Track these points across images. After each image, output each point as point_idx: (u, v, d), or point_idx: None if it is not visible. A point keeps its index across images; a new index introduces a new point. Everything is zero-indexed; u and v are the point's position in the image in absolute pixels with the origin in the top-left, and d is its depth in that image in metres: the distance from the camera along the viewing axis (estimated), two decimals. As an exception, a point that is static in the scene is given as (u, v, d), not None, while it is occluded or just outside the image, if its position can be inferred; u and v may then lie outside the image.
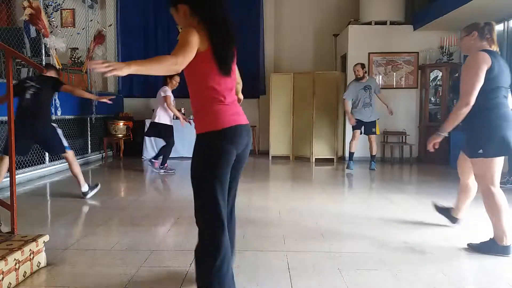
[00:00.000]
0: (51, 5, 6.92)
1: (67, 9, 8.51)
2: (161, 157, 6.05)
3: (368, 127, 6.39)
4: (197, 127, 1.89)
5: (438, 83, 7.38)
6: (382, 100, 6.54)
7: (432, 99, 7.44)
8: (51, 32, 6.01)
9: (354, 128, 6.38)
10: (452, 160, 6.75)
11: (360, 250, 2.83)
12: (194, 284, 2.24)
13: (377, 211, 3.92)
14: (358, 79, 6.31)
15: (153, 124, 6.03)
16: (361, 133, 6.43)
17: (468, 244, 2.88)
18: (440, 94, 7.31)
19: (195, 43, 1.74)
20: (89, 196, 4.33)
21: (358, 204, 4.18)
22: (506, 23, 6.38)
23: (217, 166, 1.82)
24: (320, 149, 7.38)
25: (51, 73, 4.38)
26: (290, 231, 3.24)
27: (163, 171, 5.96)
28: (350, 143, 6.49)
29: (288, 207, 4.09)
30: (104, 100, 4.45)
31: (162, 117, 5.96)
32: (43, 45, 5.98)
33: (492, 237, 2.79)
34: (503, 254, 2.68)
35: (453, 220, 3.39)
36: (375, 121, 6.39)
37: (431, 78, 7.40)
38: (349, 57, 7.60)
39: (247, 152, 2.03)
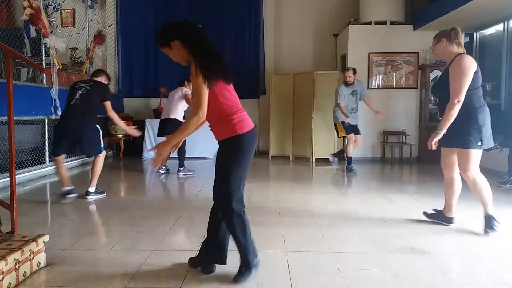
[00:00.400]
0: (51, 5, 6.91)
1: (67, 9, 8.52)
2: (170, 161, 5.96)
3: (356, 130, 6.39)
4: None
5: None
6: (369, 105, 6.45)
7: (432, 99, 7.43)
8: (51, 32, 6.01)
9: (348, 132, 6.27)
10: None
11: (360, 250, 2.83)
12: (195, 284, 2.25)
13: (377, 211, 3.92)
14: (346, 84, 6.20)
15: (172, 120, 5.80)
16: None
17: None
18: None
19: (205, 92, 2.13)
20: (90, 198, 4.33)
21: (358, 204, 4.18)
22: (506, 23, 6.38)
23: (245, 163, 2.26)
24: (320, 149, 7.38)
25: (102, 79, 4.58)
26: (290, 231, 3.24)
27: (182, 173, 5.86)
28: (347, 147, 6.36)
29: (288, 207, 4.09)
30: (133, 131, 4.67)
31: (179, 114, 5.86)
32: (43, 45, 5.98)
33: (488, 213, 3.21)
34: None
35: (449, 220, 3.42)
36: (357, 125, 6.41)
37: (431, 78, 7.40)
38: (349, 57, 7.60)
39: None
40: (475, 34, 7.32)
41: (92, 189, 4.37)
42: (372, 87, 7.61)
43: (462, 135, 3.09)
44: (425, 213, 3.61)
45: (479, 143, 3.05)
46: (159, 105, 8.24)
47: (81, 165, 6.85)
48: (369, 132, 7.59)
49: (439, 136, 3.11)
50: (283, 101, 7.72)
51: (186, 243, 2.94)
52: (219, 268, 2.44)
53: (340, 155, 6.67)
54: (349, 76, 6.14)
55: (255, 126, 2.33)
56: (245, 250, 2.28)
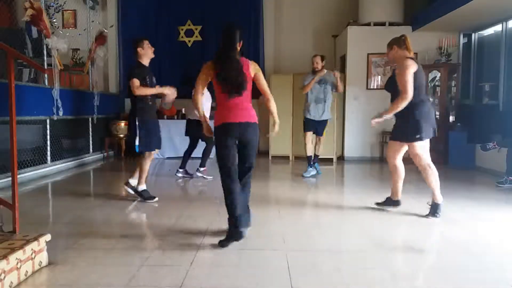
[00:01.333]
0: (53, 6, 6.95)
1: (69, 10, 8.54)
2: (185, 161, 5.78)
3: (319, 127, 5.80)
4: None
5: (437, 83, 7.39)
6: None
7: (430, 99, 7.44)
8: (53, 32, 6.03)
9: (305, 130, 5.81)
10: (451, 160, 6.78)
11: (360, 249, 2.84)
12: (195, 283, 2.27)
13: (376, 210, 3.93)
14: (314, 72, 5.69)
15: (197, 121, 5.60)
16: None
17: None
18: (439, 94, 7.32)
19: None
20: (132, 191, 4.24)
21: (357, 204, 4.20)
22: (504, 24, 6.40)
23: None
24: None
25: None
26: (289, 230, 3.26)
27: (200, 174, 5.65)
28: (304, 147, 5.88)
29: (288, 206, 4.10)
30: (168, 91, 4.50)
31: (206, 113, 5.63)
32: (44, 46, 6.00)
33: (435, 201, 3.65)
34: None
35: (396, 203, 3.87)
36: (327, 120, 5.82)
37: (429, 79, 7.41)
38: (348, 58, 7.62)
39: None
40: (473, 34, 7.35)
41: (141, 187, 4.20)
42: (371, 87, 7.63)
43: (403, 130, 3.59)
44: (376, 203, 3.98)
45: (418, 136, 3.48)
46: (160, 106, 8.25)
47: (78, 166, 6.87)
48: (368, 132, 7.62)
49: (381, 120, 3.60)
50: (283, 101, 7.72)
51: (187, 242, 2.96)
52: (220, 273, 2.46)
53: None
54: (316, 63, 5.68)
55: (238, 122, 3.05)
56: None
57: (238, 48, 3.05)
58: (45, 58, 6.05)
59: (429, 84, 7.40)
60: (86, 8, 7.95)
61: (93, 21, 7.91)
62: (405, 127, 3.56)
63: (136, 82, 4.12)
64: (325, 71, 5.74)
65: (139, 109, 4.15)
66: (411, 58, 3.58)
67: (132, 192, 4.24)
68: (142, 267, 2.48)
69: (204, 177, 5.62)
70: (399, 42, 3.67)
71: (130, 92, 4.18)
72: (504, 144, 5.20)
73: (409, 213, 3.86)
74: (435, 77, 7.41)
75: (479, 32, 7.21)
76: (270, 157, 7.77)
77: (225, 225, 3.35)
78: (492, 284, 2.32)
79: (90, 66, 7.41)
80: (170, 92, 4.47)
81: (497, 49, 6.62)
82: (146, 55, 4.37)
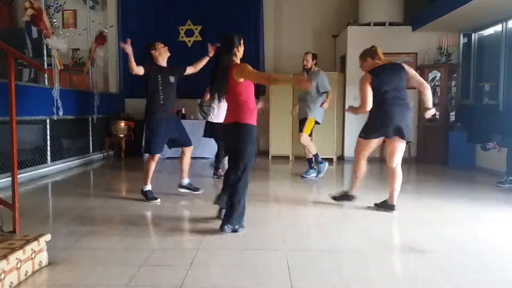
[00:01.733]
0: (53, 6, 6.94)
1: (69, 10, 8.54)
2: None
3: (301, 125, 5.63)
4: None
5: (437, 83, 7.39)
6: (326, 100, 5.61)
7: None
8: (53, 32, 6.03)
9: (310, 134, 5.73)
10: (451, 160, 6.77)
11: (360, 249, 2.85)
12: (195, 283, 2.27)
13: (376, 210, 3.93)
14: (304, 69, 5.56)
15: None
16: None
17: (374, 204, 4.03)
18: (439, 94, 7.32)
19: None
20: (185, 190, 4.45)
21: (357, 203, 4.19)
22: (504, 24, 6.40)
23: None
24: (319, 149, 7.36)
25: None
26: (289, 230, 3.26)
27: (216, 176, 5.64)
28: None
29: (288, 206, 4.10)
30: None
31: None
32: (44, 46, 6.00)
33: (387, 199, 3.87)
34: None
35: (352, 198, 4.10)
36: (306, 119, 5.54)
37: (429, 79, 7.41)
38: (348, 58, 7.61)
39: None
40: (473, 35, 7.34)
41: (184, 181, 4.46)
42: (372, 87, 7.62)
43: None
44: (332, 197, 4.22)
45: (362, 134, 3.97)
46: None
47: (78, 166, 6.87)
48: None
49: (350, 113, 4.17)
50: (283, 101, 7.73)
51: (187, 241, 2.96)
52: (220, 273, 2.46)
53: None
54: (306, 60, 5.52)
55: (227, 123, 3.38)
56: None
57: (233, 53, 3.33)
58: (45, 58, 6.05)
59: (429, 84, 7.40)
60: (86, 8, 7.94)
61: (93, 21, 7.91)
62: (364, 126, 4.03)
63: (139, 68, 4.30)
64: (315, 70, 5.62)
65: (147, 109, 4.24)
66: (372, 71, 3.82)
67: (185, 190, 4.43)
68: (142, 267, 2.48)
69: (220, 176, 5.59)
70: (372, 53, 3.92)
71: (146, 92, 4.29)
72: (504, 144, 5.20)
73: (409, 213, 3.86)
74: (435, 77, 7.40)
75: (479, 32, 7.21)
76: (270, 157, 7.76)
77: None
78: (492, 284, 2.32)
79: (90, 66, 7.41)
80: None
81: (497, 49, 6.62)
82: (161, 55, 4.42)
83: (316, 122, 5.64)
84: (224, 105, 5.37)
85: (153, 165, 4.25)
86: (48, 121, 5.93)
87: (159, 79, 4.28)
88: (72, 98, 6.67)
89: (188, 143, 4.41)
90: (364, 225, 3.46)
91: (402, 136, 3.75)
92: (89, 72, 7.48)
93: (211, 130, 5.74)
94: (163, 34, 8.69)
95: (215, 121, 5.61)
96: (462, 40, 7.50)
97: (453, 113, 7.30)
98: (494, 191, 4.86)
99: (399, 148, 3.83)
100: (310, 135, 5.68)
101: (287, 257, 2.65)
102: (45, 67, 5.86)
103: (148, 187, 4.26)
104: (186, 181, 4.45)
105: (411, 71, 3.88)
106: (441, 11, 6.36)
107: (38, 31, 6.07)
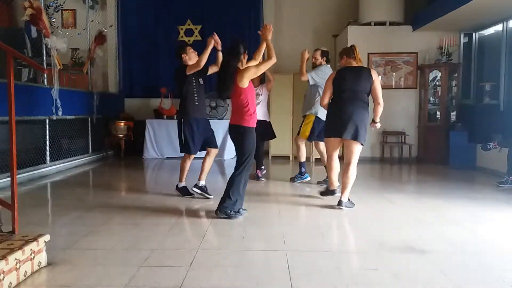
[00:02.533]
0: (52, 6, 6.94)
1: (68, 9, 8.53)
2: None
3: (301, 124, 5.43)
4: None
5: (437, 83, 7.39)
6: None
7: (431, 99, 7.45)
8: (52, 32, 6.02)
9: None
10: (452, 160, 6.76)
11: (360, 250, 2.84)
12: (195, 283, 2.26)
13: (376, 210, 3.93)
14: (314, 66, 5.41)
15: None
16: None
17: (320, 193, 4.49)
18: (439, 94, 7.32)
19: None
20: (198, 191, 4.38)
21: (357, 204, 4.18)
22: (504, 23, 6.39)
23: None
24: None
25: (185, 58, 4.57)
26: (290, 231, 3.25)
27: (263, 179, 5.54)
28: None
29: (288, 206, 4.10)
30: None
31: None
32: (44, 46, 5.99)
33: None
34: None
35: (332, 192, 4.36)
36: (305, 116, 5.32)
37: (430, 78, 7.41)
38: (349, 58, 7.60)
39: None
40: (474, 34, 7.34)
41: (201, 183, 4.46)
42: (372, 87, 7.62)
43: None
44: (319, 192, 4.52)
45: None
46: (159, 105, 8.25)
47: (77, 166, 6.86)
48: (368, 132, 7.54)
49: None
50: (283, 101, 7.73)
51: (187, 242, 2.95)
52: (220, 273, 2.45)
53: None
54: (315, 58, 5.37)
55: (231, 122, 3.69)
56: None
57: (240, 60, 3.71)
58: (44, 57, 6.04)
59: (429, 83, 7.41)
60: (85, 7, 7.93)
61: (92, 21, 7.91)
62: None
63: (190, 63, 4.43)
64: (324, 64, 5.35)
65: (183, 111, 4.35)
66: (346, 68, 4.01)
67: (199, 191, 4.38)
68: (141, 267, 2.47)
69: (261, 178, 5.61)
70: (349, 51, 4.04)
71: (179, 92, 4.40)
72: (505, 144, 5.19)
73: (409, 213, 3.86)
74: (436, 77, 7.40)
75: (480, 32, 7.20)
76: (270, 157, 7.76)
77: (224, 223, 3.36)
78: (493, 284, 2.31)
79: (89, 65, 7.40)
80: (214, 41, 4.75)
81: (497, 48, 6.61)
82: (191, 60, 4.53)
83: (318, 118, 5.14)
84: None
85: (188, 164, 4.48)
86: (47, 121, 5.92)
87: (193, 81, 4.43)
88: (71, 98, 6.65)
89: (214, 144, 4.52)
90: (364, 225, 3.45)
91: (355, 137, 3.85)
92: (88, 71, 7.47)
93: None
94: (162, 33, 8.70)
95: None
96: (463, 39, 7.49)
97: (454, 113, 7.29)
98: (494, 191, 4.85)
99: (354, 150, 3.93)
100: (313, 133, 5.19)
101: (287, 257, 2.64)
102: (45, 66, 5.85)
103: (183, 183, 4.46)
104: (202, 182, 4.43)
105: (376, 83, 3.90)
106: (442, 10, 6.35)
107: (38, 31, 6.06)
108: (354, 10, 7.98)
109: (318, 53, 5.44)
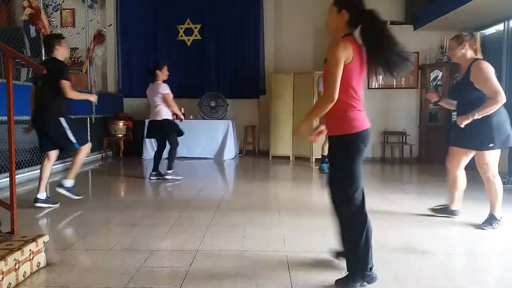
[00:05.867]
0: (51, 5, 6.92)
1: (67, 9, 8.50)
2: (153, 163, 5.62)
3: None
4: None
5: (438, 83, 7.37)
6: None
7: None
8: (51, 32, 6.00)
9: None
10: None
11: (361, 250, 2.82)
12: (195, 284, 2.25)
13: (377, 211, 3.91)
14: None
15: (156, 122, 5.51)
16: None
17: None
18: (441, 94, 7.28)
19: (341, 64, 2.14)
20: (64, 192, 4.16)
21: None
22: (506, 23, 6.38)
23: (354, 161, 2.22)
24: (320, 149, 7.37)
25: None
26: (290, 231, 3.24)
27: (169, 177, 5.51)
28: (322, 146, 6.22)
29: (288, 207, 4.08)
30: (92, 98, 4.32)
31: (165, 113, 5.47)
32: (43, 45, 5.97)
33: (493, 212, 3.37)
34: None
35: (455, 212, 3.65)
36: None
37: (431, 78, 7.39)
38: (349, 57, 7.59)
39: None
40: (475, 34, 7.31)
41: (68, 183, 4.17)
42: (372, 87, 7.60)
43: (476, 137, 3.30)
44: (431, 209, 3.79)
45: (491, 145, 3.28)
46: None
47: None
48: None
49: (470, 120, 3.24)
50: (283, 101, 7.71)
51: (186, 243, 2.94)
52: (220, 274, 2.43)
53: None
54: None
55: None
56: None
57: None
58: (43, 57, 6.01)
59: (430, 83, 7.39)
60: (84, 7, 7.92)
61: (91, 20, 7.89)
62: (478, 133, 3.30)
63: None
64: None
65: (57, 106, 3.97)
66: None
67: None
68: (141, 268, 2.46)
69: (174, 179, 5.49)
70: (471, 40, 3.62)
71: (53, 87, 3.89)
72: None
73: (410, 213, 3.84)
74: (437, 76, 7.38)
75: (481, 31, 7.18)
76: (270, 157, 7.74)
77: (223, 224, 3.34)
78: (493, 284, 2.30)
79: (88, 65, 7.38)
80: (94, 99, 4.41)
81: (499, 48, 6.59)
82: (62, 54, 4.06)
83: None
84: (159, 102, 5.41)
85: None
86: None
87: None
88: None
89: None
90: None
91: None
92: (87, 71, 7.45)
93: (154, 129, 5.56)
94: (162, 33, 8.68)
95: (156, 118, 5.45)
96: (464, 39, 7.47)
97: (455, 113, 7.26)
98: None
99: None
100: None
101: (287, 258, 2.63)
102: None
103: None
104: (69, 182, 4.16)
105: None
106: (443, 10, 6.34)
107: (36, 30, 6.05)
108: (355, 9, 7.96)
109: None
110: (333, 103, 2.14)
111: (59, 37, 4.06)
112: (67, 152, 4.14)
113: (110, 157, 8.00)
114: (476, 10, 5.87)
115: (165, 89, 5.42)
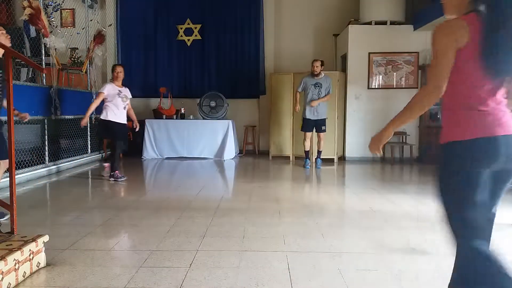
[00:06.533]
0: (51, 5, 6.91)
1: (67, 9, 8.50)
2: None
3: (318, 125, 6.52)
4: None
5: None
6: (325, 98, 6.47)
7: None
8: (51, 32, 6.00)
9: (303, 129, 6.55)
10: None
11: (361, 250, 2.82)
12: (194, 284, 2.24)
13: (377, 211, 3.91)
14: (313, 75, 6.42)
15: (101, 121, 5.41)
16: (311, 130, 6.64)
17: None
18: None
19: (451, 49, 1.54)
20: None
21: (358, 204, 4.17)
22: (506, 23, 6.36)
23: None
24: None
25: None
26: (290, 231, 3.23)
27: (112, 179, 5.36)
28: (303, 142, 6.67)
29: (288, 207, 4.08)
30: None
31: (110, 113, 5.32)
32: (42, 45, 5.97)
33: None
34: None
35: None
36: (325, 119, 6.55)
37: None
38: (349, 57, 7.59)
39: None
40: (475, 34, 7.31)
41: None
42: (372, 87, 7.60)
43: None
44: None
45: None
46: (159, 105, 8.23)
47: (76, 167, 6.83)
48: (369, 132, 7.58)
49: None
50: (283, 101, 7.71)
51: (186, 243, 2.93)
52: (220, 274, 2.43)
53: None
54: (316, 66, 6.35)
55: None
56: None
57: None
58: (43, 57, 6.02)
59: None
60: (84, 7, 7.92)
61: (91, 20, 7.89)
62: None
63: None
64: (322, 75, 6.44)
65: None
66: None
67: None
68: (141, 268, 2.46)
69: (117, 180, 5.35)
70: None
71: None
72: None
73: (410, 214, 3.84)
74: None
75: (481, 31, 7.18)
76: (270, 157, 7.74)
77: (223, 224, 3.34)
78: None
79: (88, 65, 7.38)
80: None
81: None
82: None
83: None
84: (120, 104, 5.34)
85: None
86: (46, 121, 5.90)
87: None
88: (70, 98, 6.63)
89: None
90: (365, 226, 3.44)
91: None
92: (87, 71, 7.45)
93: (107, 129, 5.43)
94: (162, 33, 8.69)
95: (114, 120, 5.34)
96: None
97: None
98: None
99: None
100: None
101: (287, 258, 2.63)
102: (43, 66, 5.82)
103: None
104: None
105: None
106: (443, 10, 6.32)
107: (36, 30, 6.05)
108: (355, 9, 7.97)
109: (319, 63, 6.39)
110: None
111: None
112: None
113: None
114: (476, 10, 5.86)
115: (101, 88, 5.46)
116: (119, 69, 5.44)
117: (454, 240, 1.72)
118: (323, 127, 6.53)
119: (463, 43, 1.53)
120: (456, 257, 1.73)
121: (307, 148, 6.68)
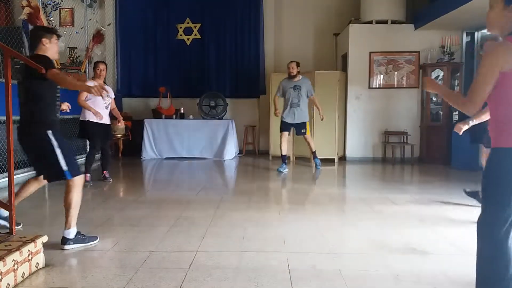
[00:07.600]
0: (50, 4, 6.90)
1: (66, 8, 8.49)
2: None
3: (297, 129, 6.31)
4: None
5: (439, 82, 7.35)
6: (314, 103, 6.36)
7: (433, 98, 7.41)
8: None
9: (281, 130, 6.30)
10: (454, 160, 6.73)
11: (361, 251, 2.81)
12: (194, 285, 2.23)
13: (378, 211, 3.90)
14: (290, 77, 6.19)
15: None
16: (289, 134, 6.45)
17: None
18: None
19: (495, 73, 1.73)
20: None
21: (359, 204, 4.16)
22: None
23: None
24: (320, 149, 7.34)
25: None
26: (290, 232, 3.22)
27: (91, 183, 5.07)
28: (280, 146, 6.33)
29: (288, 207, 4.07)
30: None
31: (87, 113, 5.01)
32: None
33: None
34: None
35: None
36: (305, 122, 6.27)
37: (432, 78, 7.37)
38: (350, 57, 7.57)
39: None
40: (476, 33, 7.30)
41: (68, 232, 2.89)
42: (373, 86, 7.59)
43: None
44: (464, 190, 4.15)
45: None
46: (158, 105, 8.22)
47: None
48: (370, 132, 7.58)
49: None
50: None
51: (186, 243, 2.92)
52: (220, 275, 2.42)
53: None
54: (292, 68, 6.13)
55: None
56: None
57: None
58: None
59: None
60: (83, 6, 7.91)
61: (90, 20, 7.88)
62: None
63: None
64: (300, 77, 6.23)
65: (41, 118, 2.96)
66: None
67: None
68: (140, 269, 2.45)
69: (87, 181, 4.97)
70: None
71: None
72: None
73: (411, 214, 3.83)
74: (438, 76, 7.36)
75: (482, 31, 7.16)
76: (270, 157, 7.72)
77: (223, 224, 3.32)
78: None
79: (87, 65, 7.36)
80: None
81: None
82: (50, 50, 2.96)
83: None
84: (101, 103, 4.99)
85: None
86: (46, 120, 5.87)
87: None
88: (69, 98, 6.59)
89: None
90: (365, 226, 3.42)
91: None
92: (86, 71, 7.43)
93: (83, 129, 5.17)
94: (161, 32, 8.67)
95: (92, 120, 5.03)
96: (465, 38, 7.45)
97: (456, 112, 7.25)
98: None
99: None
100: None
101: (287, 259, 2.61)
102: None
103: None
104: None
105: None
106: (444, 9, 6.32)
107: (36, 30, 6.01)
108: (356, 8, 7.95)
109: (294, 64, 6.18)
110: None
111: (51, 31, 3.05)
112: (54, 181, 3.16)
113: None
114: (477, 9, 5.84)
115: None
116: (102, 67, 5.07)
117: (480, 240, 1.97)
118: (302, 130, 6.28)
119: (509, 68, 1.70)
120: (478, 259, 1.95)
121: (284, 152, 6.28)
